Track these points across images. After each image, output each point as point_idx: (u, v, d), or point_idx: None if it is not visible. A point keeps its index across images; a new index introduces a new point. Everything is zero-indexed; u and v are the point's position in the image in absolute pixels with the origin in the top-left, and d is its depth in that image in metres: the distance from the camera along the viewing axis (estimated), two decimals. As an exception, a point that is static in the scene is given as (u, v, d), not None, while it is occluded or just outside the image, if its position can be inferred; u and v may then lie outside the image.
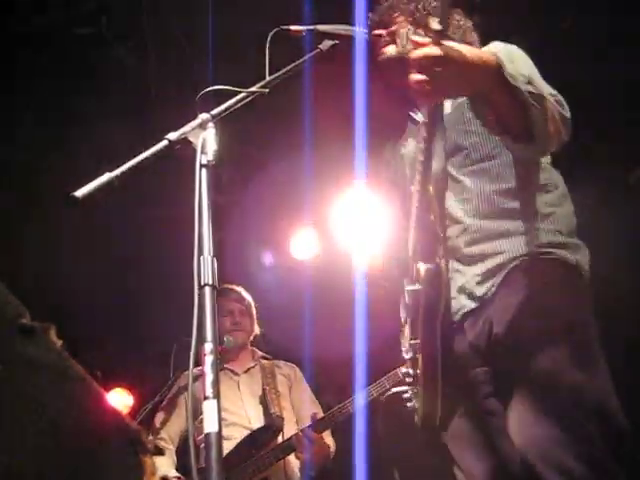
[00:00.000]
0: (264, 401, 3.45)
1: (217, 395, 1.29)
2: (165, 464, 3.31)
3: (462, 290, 1.92)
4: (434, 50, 1.47)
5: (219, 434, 1.26)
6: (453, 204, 1.95)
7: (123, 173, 1.45)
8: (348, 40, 1.97)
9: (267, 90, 1.79)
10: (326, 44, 1.94)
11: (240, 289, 3.78)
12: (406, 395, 2.04)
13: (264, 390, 3.48)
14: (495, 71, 1.60)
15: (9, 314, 0.96)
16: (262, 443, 3.30)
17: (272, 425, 3.35)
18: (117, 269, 4.98)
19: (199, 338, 1.33)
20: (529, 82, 1.65)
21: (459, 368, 1.90)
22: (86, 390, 0.99)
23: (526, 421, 1.74)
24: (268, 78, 1.81)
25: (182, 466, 3.37)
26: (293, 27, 1.95)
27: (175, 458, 3.41)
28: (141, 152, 1.51)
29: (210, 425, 1.26)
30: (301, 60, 1.89)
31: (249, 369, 3.63)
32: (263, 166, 4.81)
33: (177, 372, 3.51)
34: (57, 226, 4.20)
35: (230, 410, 3.39)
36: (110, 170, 1.45)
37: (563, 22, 3.90)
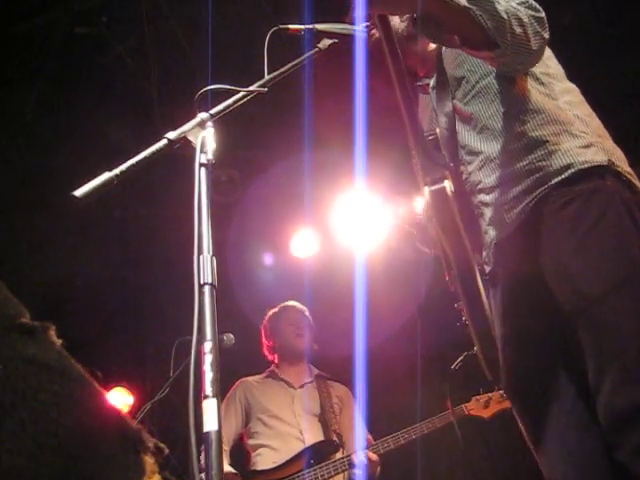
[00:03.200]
0: (323, 418, 3.62)
1: (217, 394, 1.29)
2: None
3: (492, 222, 1.88)
4: None
5: (219, 433, 1.26)
6: (471, 138, 1.94)
7: (122, 172, 1.45)
8: (347, 39, 1.97)
9: (266, 89, 1.79)
10: (325, 43, 1.94)
11: (301, 306, 3.95)
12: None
13: (322, 407, 3.64)
14: None
15: (9, 313, 0.96)
16: (321, 456, 3.45)
17: (333, 441, 3.52)
18: (117, 269, 4.98)
19: (199, 337, 1.33)
20: None
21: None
22: (86, 390, 0.99)
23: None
24: (267, 77, 1.81)
25: (232, 466, 3.53)
26: (292, 26, 1.94)
27: (229, 459, 3.58)
28: (141, 151, 1.51)
29: (210, 424, 1.26)
30: (300, 59, 1.89)
31: (305, 384, 3.77)
32: (263, 166, 4.81)
33: (240, 380, 3.78)
34: (57, 226, 4.20)
35: (284, 420, 3.58)
36: (110, 169, 1.45)
37: (563, 19, 3.91)
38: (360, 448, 3.47)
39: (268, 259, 5.42)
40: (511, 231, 1.83)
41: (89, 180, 1.42)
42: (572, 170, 1.76)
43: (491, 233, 1.88)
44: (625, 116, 4.09)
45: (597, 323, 1.66)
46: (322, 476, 3.39)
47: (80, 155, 4.04)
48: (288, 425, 3.56)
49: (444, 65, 2.04)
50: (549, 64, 1.95)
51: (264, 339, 3.90)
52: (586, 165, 1.76)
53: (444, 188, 1.71)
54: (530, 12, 1.77)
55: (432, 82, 2.13)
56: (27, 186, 4.24)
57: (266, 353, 3.89)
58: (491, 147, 1.88)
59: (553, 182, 1.77)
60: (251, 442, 3.60)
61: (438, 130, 2.02)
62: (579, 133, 1.82)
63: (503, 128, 1.86)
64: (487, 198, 1.89)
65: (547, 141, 1.80)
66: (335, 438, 3.53)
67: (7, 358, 0.91)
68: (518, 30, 1.71)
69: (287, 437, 3.52)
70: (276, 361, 3.83)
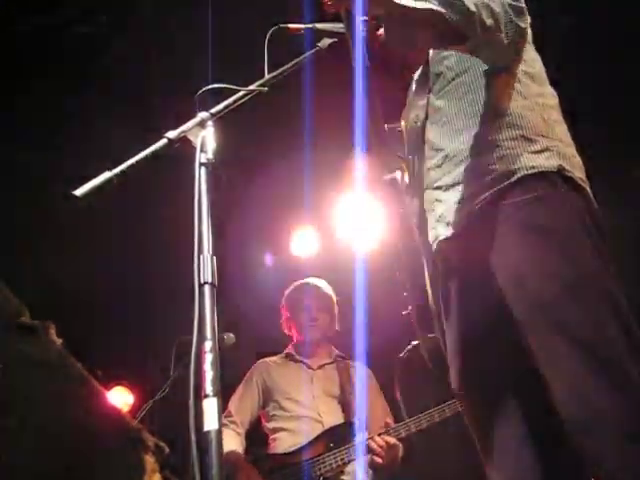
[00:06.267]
0: (343, 400, 3.50)
1: (217, 393, 1.29)
2: (235, 446, 3.40)
3: (441, 219, 1.86)
4: None
5: (219, 432, 1.26)
6: (435, 132, 1.92)
7: (122, 172, 1.45)
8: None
9: (266, 88, 1.79)
10: (325, 42, 1.94)
11: (321, 284, 3.82)
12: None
13: (342, 389, 3.53)
14: None
15: (9, 312, 0.96)
16: (341, 439, 3.33)
17: (353, 423, 3.38)
18: (117, 268, 4.98)
19: (199, 336, 1.34)
20: None
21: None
22: (87, 389, 0.99)
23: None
24: (267, 76, 1.81)
25: (250, 452, 3.46)
26: (292, 25, 1.95)
27: (244, 442, 3.48)
28: (141, 151, 1.51)
29: (210, 423, 1.26)
30: (300, 58, 1.89)
31: (324, 365, 3.68)
32: (263, 165, 4.81)
33: (259, 361, 3.70)
34: (57, 225, 4.20)
35: (302, 403, 3.47)
36: (109, 169, 1.45)
37: (563, 22, 3.91)
38: (377, 432, 3.33)
39: (268, 259, 5.42)
40: (459, 232, 1.81)
41: (89, 180, 1.42)
42: (518, 175, 1.73)
43: (439, 230, 1.87)
44: (624, 117, 4.10)
45: (549, 329, 1.63)
46: (342, 460, 3.27)
47: (80, 155, 4.04)
48: (306, 408, 3.46)
49: (429, 60, 2.03)
50: (534, 65, 1.92)
51: (283, 313, 3.80)
52: (533, 171, 1.73)
53: (395, 178, 1.83)
54: (507, 0, 1.75)
55: (416, 75, 2.12)
56: (27, 186, 4.24)
57: (285, 330, 3.80)
58: (452, 145, 1.86)
59: (499, 187, 1.74)
60: (269, 425, 3.52)
61: (404, 123, 2.02)
62: (536, 137, 1.78)
63: (465, 127, 1.84)
64: (443, 196, 1.86)
65: (499, 145, 1.77)
66: (356, 420, 3.40)
67: (7, 357, 0.91)
68: (489, 22, 1.68)
69: (305, 420, 3.42)
70: (294, 340, 3.75)
